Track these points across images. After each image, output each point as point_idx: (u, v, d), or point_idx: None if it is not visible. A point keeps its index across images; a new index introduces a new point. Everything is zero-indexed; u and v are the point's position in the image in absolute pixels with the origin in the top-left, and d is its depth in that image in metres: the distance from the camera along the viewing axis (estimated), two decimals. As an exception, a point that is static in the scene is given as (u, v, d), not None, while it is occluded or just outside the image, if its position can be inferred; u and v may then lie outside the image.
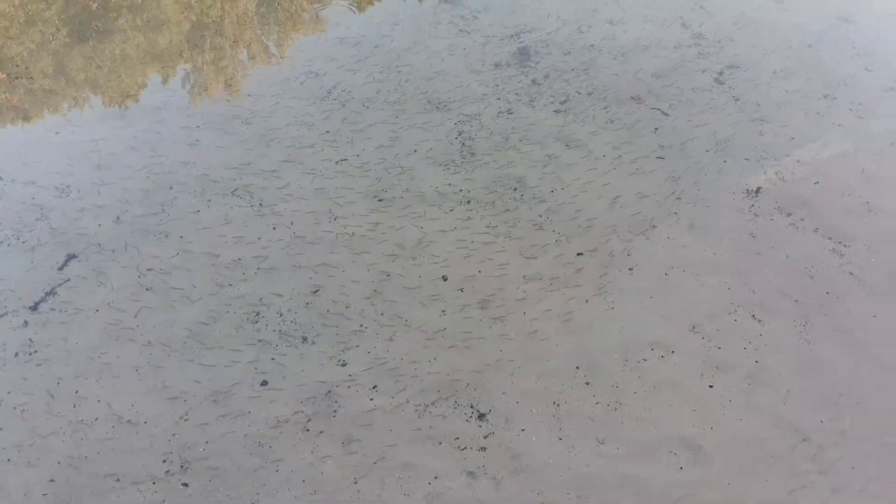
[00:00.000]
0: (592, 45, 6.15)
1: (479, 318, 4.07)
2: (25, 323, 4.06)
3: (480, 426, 3.61)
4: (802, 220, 4.57)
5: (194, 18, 6.60)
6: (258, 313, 4.10)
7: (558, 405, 3.68)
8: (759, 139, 5.17)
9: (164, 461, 3.49)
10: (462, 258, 4.38)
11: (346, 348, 3.94)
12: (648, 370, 3.82)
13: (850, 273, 4.26)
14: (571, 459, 3.48)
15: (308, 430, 3.60)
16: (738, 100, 5.53)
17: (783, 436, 3.55)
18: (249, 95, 5.67)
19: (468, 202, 4.73)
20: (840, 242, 4.42)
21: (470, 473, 3.44)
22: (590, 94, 5.62)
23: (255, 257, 4.40)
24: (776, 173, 4.88)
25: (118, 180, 4.90)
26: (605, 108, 5.47)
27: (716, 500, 3.35)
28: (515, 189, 4.82)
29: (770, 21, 6.44)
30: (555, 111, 5.45)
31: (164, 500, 3.36)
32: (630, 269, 4.31)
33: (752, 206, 4.66)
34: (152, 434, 3.59)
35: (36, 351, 3.92)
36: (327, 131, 5.29)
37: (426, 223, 4.60)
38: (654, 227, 4.55)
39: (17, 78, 5.85)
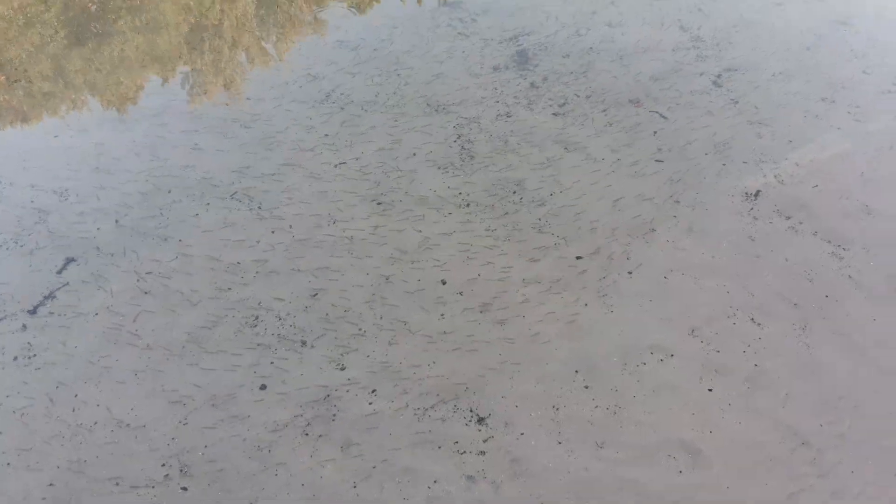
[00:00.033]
0: (591, 48, 6.16)
1: (478, 322, 4.07)
2: (24, 327, 4.06)
3: (480, 430, 3.61)
4: (801, 223, 4.57)
5: (193, 21, 6.60)
6: (257, 317, 4.10)
7: (557, 409, 3.68)
8: (757, 142, 5.17)
9: (164, 465, 3.49)
10: (462, 262, 4.39)
11: (346, 352, 3.94)
12: (648, 374, 3.82)
13: (849, 276, 4.26)
14: (571, 463, 3.48)
15: (307, 434, 3.60)
16: (736, 103, 5.54)
17: (782, 439, 3.55)
18: (249, 99, 5.68)
19: (467, 205, 4.73)
20: (839, 246, 4.43)
21: (469, 477, 3.44)
22: (588, 97, 5.62)
23: (255, 261, 4.40)
24: (775, 176, 4.89)
25: (117, 184, 4.90)
26: (604, 111, 5.48)
27: (715, 503, 3.35)
28: (514, 192, 4.82)
29: (768, 24, 6.45)
30: (554, 114, 5.45)
31: (163, 505, 3.37)
32: (629, 272, 4.31)
33: (751, 209, 4.67)
34: (151, 438, 3.59)
35: (35, 355, 3.92)
36: (326, 135, 5.29)
37: (426, 226, 4.60)
38: (654, 230, 4.56)
39: (16, 81, 5.85)
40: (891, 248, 4.41)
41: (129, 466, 3.48)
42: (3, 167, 5.04)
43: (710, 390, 3.75)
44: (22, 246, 4.48)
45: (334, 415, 3.67)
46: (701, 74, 5.84)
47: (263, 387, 3.79)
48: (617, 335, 4.00)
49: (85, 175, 4.97)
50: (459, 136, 5.27)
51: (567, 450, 3.53)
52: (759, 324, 4.04)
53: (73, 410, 3.69)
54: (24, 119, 5.62)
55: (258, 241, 4.52)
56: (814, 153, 5.07)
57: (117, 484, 3.42)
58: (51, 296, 4.21)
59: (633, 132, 5.28)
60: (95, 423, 3.65)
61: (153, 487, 3.41)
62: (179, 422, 3.65)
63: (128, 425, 3.64)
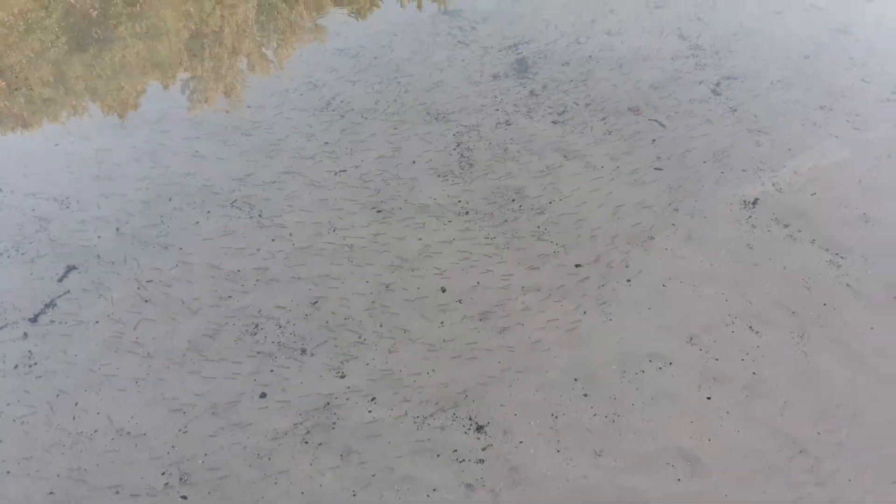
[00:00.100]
0: (590, 56, 6.18)
1: (478, 330, 4.09)
2: (25, 335, 4.07)
3: (479, 438, 3.62)
4: (800, 231, 4.59)
5: (193, 27, 6.63)
6: (257, 325, 4.12)
7: (556, 417, 3.69)
8: (756, 150, 5.19)
9: (164, 473, 3.50)
10: (461, 270, 4.40)
11: (346, 360, 3.95)
12: (646, 382, 3.83)
13: (847, 285, 4.27)
14: (569, 472, 3.49)
15: (307, 442, 3.61)
16: (735, 111, 5.56)
17: (780, 447, 3.56)
18: (249, 107, 5.70)
19: (467, 213, 4.75)
20: (837, 254, 4.44)
21: (468, 486, 3.45)
22: (588, 105, 5.65)
23: (255, 269, 4.42)
24: (773, 184, 4.91)
25: (118, 191, 4.92)
26: (603, 119, 5.50)
27: (713, 512, 3.37)
28: (514, 200, 4.84)
29: (767, 32, 6.47)
30: (553, 122, 5.48)
31: (163, 513, 3.38)
32: (628, 280, 4.33)
33: (750, 217, 4.69)
34: (152, 446, 3.60)
35: (36, 363, 3.94)
36: (327, 142, 5.32)
37: (426, 234, 4.62)
38: (652, 238, 4.57)
39: (16, 89, 5.87)
40: (889, 257, 4.43)
41: (129, 475, 3.49)
42: (4, 174, 5.07)
43: (708, 398, 3.76)
44: (23, 254, 4.50)
45: (334, 423, 3.69)
46: (700, 83, 5.87)
47: (263, 395, 3.80)
48: (616, 343, 4.01)
49: (86, 182, 4.99)
50: (459, 144, 5.29)
51: (566, 458, 3.54)
52: (757, 332, 4.05)
53: (74, 418, 3.71)
54: (25, 125, 5.64)
55: (258, 249, 4.53)
56: (812, 161, 5.09)
57: (117, 492, 3.43)
58: (52, 304, 4.22)
59: (632, 140, 5.31)
60: (96, 431, 3.66)
61: (153, 496, 3.42)
62: (179, 430, 3.66)
63: (128, 433, 3.65)
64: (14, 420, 3.70)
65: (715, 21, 6.63)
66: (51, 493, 3.43)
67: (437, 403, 3.76)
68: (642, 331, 4.06)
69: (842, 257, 4.42)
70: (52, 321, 4.13)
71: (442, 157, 5.18)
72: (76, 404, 3.76)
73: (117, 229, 4.66)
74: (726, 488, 3.42)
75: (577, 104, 5.65)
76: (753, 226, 4.63)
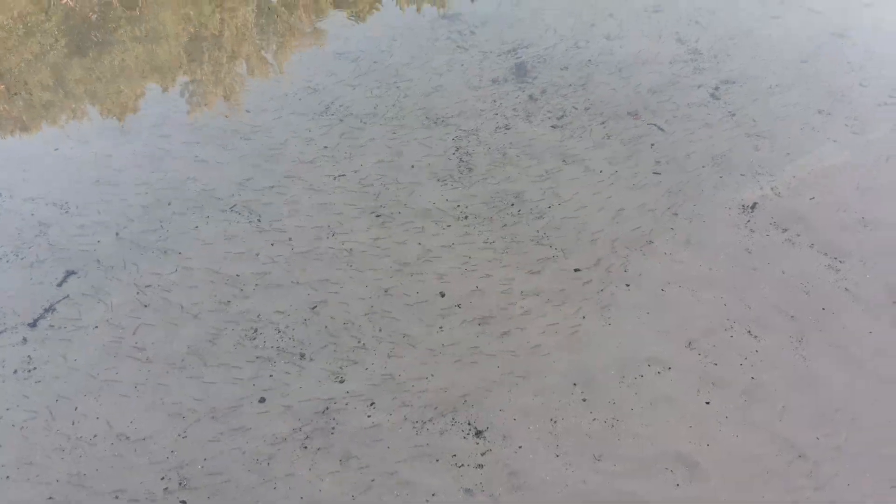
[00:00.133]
0: (590, 61, 6.20)
1: (477, 335, 4.09)
2: (24, 340, 4.07)
3: (478, 443, 3.63)
4: (798, 235, 4.60)
5: (193, 31, 6.63)
6: (256, 330, 4.12)
7: (555, 422, 3.70)
8: (754, 154, 5.20)
9: (163, 478, 3.50)
10: (461, 274, 4.41)
11: (345, 365, 3.96)
12: (645, 386, 3.84)
13: (846, 289, 4.28)
14: (568, 476, 3.50)
15: (306, 447, 3.62)
16: (733, 115, 5.57)
17: (779, 452, 3.57)
18: (249, 111, 5.71)
19: (466, 217, 4.76)
20: (835, 258, 4.45)
21: (467, 490, 3.45)
22: (587, 109, 5.66)
23: (255, 274, 4.42)
24: (772, 188, 4.92)
25: (117, 196, 4.92)
26: (603, 123, 5.51)
27: (712, 517, 3.37)
28: (513, 204, 4.85)
29: (765, 36, 6.49)
30: (552, 126, 5.49)
31: (163, 518, 3.38)
32: (627, 284, 4.33)
33: (748, 221, 4.69)
34: (151, 451, 3.60)
35: (35, 368, 3.94)
36: (326, 147, 5.32)
37: (425, 239, 4.62)
38: (651, 242, 4.58)
39: (15, 94, 5.87)
40: (887, 260, 4.44)
41: (128, 479, 3.50)
42: (3, 179, 5.07)
43: (707, 403, 3.76)
44: (22, 258, 4.50)
45: (333, 428, 3.69)
46: (699, 87, 5.88)
47: (263, 399, 3.81)
48: (615, 348, 4.02)
49: (85, 187, 4.99)
50: (458, 149, 5.30)
51: (565, 463, 3.54)
52: (755, 336, 4.06)
53: (74, 423, 3.71)
54: (25, 130, 5.64)
55: (258, 254, 4.54)
56: (811, 165, 5.11)
57: (117, 497, 3.43)
58: (51, 308, 4.22)
59: (631, 144, 5.31)
60: (95, 436, 3.66)
61: (153, 501, 3.42)
62: (179, 435, 3.67)
63: (128, 438, 3.65)
64: (14, 425, 3.70)
65: (713, 25, 6.65)
66: (50, 498, 3.43)
67: (436, 408, 3.77)
68: (641, 335, 4.07)
69: (840, 261, 4.43)
70: (52, 326, 4.14)
71: (441, 161, 5.19)
72: (76, 409, 3.76)
73: (117, 234, 4.66)
74: (725, 493, 3.43)
75: (577, 108, 5.66)
76: (752, 230, 4.64)
